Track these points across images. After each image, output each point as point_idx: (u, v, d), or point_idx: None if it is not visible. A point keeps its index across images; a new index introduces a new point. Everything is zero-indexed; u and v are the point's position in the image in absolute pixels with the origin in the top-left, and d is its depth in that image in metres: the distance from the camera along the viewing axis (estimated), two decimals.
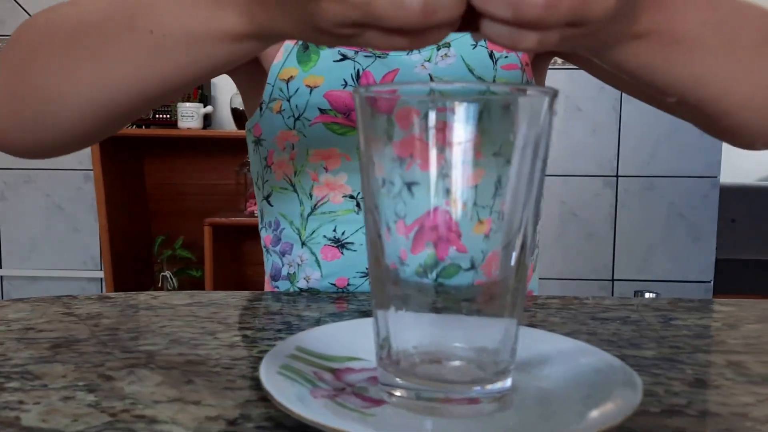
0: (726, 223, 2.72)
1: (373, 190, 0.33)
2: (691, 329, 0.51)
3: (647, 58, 0.43)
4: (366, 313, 0.53)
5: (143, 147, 2.52)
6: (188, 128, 2.29)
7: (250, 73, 0.69)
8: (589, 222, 2.46)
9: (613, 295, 2.46)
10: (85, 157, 2.41)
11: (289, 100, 0.63)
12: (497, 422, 0.32)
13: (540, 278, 2.36)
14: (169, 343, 0.46)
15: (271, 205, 0.70)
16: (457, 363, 0.34)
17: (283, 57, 0.65)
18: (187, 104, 2.27)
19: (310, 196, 0.66)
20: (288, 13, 0.38)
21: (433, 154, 0.31)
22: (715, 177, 2.42)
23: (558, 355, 0.38)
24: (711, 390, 0.38)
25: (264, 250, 0.74)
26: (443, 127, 0.30)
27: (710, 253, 2.46)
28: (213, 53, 0.42)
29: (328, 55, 0.64)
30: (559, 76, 2.36)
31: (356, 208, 0.65)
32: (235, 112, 2.37)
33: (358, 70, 0.63)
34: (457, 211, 0.32)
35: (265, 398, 0.36)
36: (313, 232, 0.66)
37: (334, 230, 0.66)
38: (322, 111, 0.63)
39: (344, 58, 0.64)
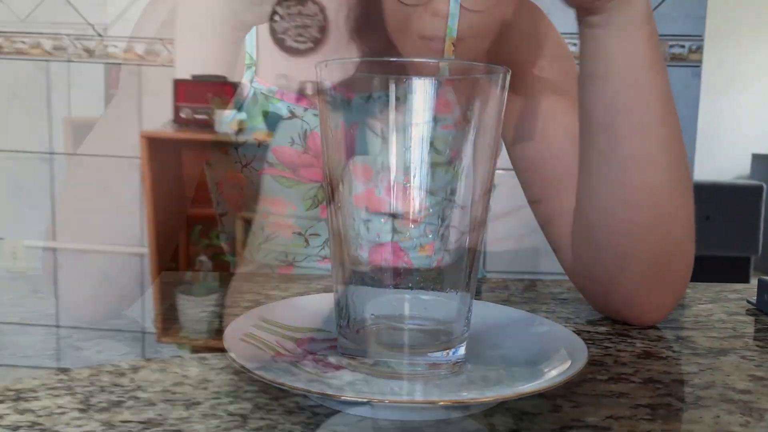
0: (700, 220, 2.77)
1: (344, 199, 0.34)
2: None
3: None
4: None
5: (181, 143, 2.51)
6: (225, 133, 2.27)
7: None
8: None
9: None
10: (130, 147, 2.37)
11: (237, 149, 0.62)
12: (449, 385, 0.33)
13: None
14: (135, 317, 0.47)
15: (225, 225, 0.71)
16: (413, 332, 0.35)
17: (234, 109, 0.64)
18: (226, 111, 2.26)
19: (262, 229, 0.66)
20: None
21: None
22: None
23: (512, 325, 0.39)
24: (657, 361, 0.40)
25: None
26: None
27: None
28: None
29: (277, 110, 0.62)
30: None
31: (305, 243, 0.66)
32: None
33: (305, 130, 0.61)
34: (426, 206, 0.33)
35: (228, 366, 0.37)
36: (267, 255, 0.67)
37: (286, 256, 0.67)
38: (270, 164, 0.63)
39: (293, 116, 0.62)
